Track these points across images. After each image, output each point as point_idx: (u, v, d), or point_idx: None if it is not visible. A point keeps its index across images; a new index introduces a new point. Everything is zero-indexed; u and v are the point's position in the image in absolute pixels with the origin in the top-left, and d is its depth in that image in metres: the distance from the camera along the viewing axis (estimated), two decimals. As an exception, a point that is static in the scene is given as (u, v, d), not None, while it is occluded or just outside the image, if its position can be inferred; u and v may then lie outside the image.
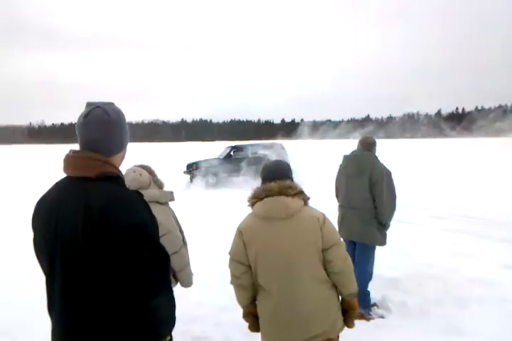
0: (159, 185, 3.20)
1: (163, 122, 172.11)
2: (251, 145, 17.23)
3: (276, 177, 2.39)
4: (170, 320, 1.57)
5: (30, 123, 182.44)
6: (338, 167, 4.34)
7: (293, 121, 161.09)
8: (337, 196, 4.39)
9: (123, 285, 1.44)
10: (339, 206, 4.30)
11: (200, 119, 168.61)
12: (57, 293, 1.51)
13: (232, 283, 2.44)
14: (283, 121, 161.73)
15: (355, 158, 4.13)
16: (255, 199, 2.38)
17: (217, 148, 20.81)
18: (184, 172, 16.22)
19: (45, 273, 1.58)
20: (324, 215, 2.35)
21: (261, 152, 16.15)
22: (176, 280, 3.15)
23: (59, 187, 1.60)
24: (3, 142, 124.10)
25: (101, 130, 1.57)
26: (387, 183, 3.95)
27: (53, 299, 1.54)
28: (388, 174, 4.00)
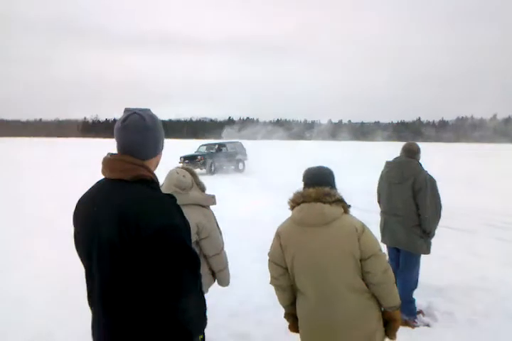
0: (201, 187, 3.23)
1: (211, 120, 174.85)
2: (227, 142, 24.63)
3: (316, 183, 2.37)
4: (200, 320, 1.63)
5: (85, 118, 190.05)
6: (380, 173, 4.27)
7: (340, 122, 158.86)
8: (379, 202, 4.31)
9: (154, 286, 1.50)
10: (381, 212, 4.24)
11: (247, 118, 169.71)
12: (97, 288, 1.60)
13: (271, 283, 2.47)
14: (330, 121, 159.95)
15: (398, 164, 4.04)
16: (294, 203, 2.39)
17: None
18: (185, 162, 20.50)
19: (84, 267, 1.67)
20: (363, 225, 2.30)
21: (232, 148, 23.26)
22: (214, 279, 3.21)
23: (98, 187, 1.69)
24: (60, 135, 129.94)
25: (137, 135, 1.64)
26: (431, 191, 3.85)
27: (94, 293, 1.63)
28: (432, 182, 3.90)
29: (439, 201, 3.94)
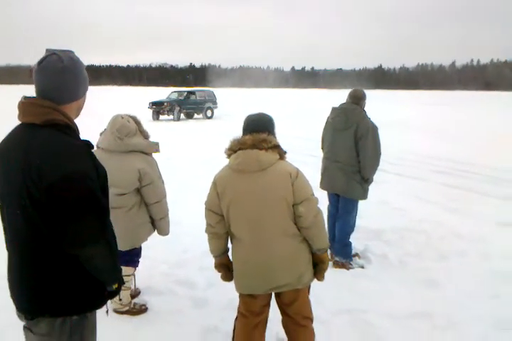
0: (145, 135, 3.19)
1: (172, 66, 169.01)
2: (197, 90, 25.44)
3: (253, 130, 2.35)
4: (111, 269, 1.65)
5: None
6: (326, 119, 4.25)
7: (303, 69, 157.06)
8: (322, 148, 4.34)
9: (59, 233, 1.49)
10: (323, 158, 4.26)
11: (209, 64, 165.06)
12: (8, 234, 1.60)
13: (206, 231, 2.50)
14: (293, 68, 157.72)
15: (343, 111, 4.03)
16: (230, 151, 2.37)
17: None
18: (153, 108, 21.85)
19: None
20: (298, 170, 2.34)
21: (202, 96, 23.95)
22: (154, 228, 3.23)
23: (13, 132, 1.62)
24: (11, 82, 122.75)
25: (54, 77, 1.56)
26: (372, 138, 3.87)
27: (6, 236, 1.62)
28: (374, 129, 3.91)
29: (379, 149, 3.98)
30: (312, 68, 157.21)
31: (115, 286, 1.69)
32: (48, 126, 1.52)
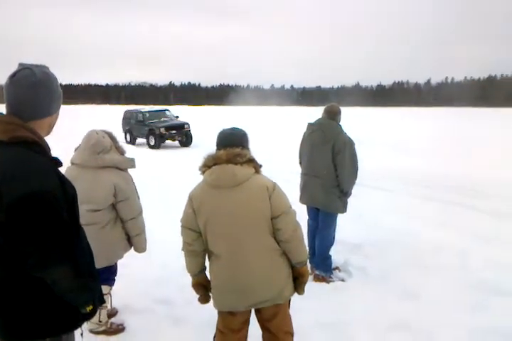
0: (121, 151, 3.17)
1: (151, 85, 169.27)
2: (160, 110, 19.81)
3: (227, 145, 2.35)
4: (80, 291, 1.58)
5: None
6: (303, 134, 4.29)
7: (282, 87, 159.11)
8: (300, 163, 4.37)
9: (21, 256, 1.45)
10: (302, 173, 4.29)
11: (189, 83, 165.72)
12: None
13: (183, 249, 2.45)
14: (272, 86, 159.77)
15: (320, 126, 4.07)
16: (205, 167, 2.36)
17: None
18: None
19: None
20: (275, 184, 2.33)
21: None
22: (131, 246, 3.17)
23: None
24: None
25: (26, 91, 1.52)
26: (349, 153, 3.92)
27: None
28: (351, 143, 3.96)
29: (357, 162, 4.03)
30: (291, 86, 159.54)
31: (89, 308, 1.63)
32: (15, 143, 1.48)
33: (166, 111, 19.35)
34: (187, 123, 17.43)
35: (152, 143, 16.87)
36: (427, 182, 8.96)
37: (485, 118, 32.57)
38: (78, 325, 1.66)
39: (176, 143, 17.53)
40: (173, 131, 16.95)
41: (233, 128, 2.50)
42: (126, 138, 18.55)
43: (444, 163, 11.39)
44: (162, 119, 18.04)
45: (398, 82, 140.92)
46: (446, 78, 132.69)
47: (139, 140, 18.23)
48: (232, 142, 2.36)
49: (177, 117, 18.78)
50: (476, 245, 4.94)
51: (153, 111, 19.13)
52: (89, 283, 1.62)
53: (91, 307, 1.63)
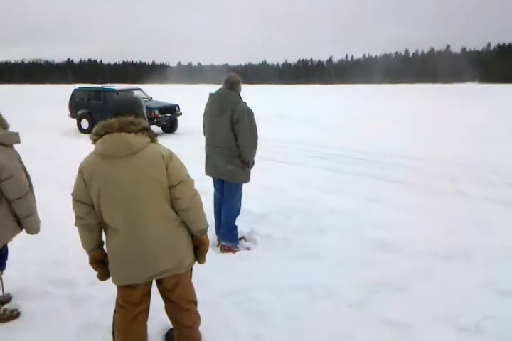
0: (3, 125, 2.89)
1: (47, 62, 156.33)
2: (133, 88, 15.35)
3: (119, 113, 2.24)
4: None
5: None
6: (205, 106, 4.25)
7: (190, 64, 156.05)
8: (204, 134, 4.34)
9: None
10: (205, 144, 4.26)
11: (89, 60, 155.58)
12: None
13: (76, 224, 2.31)
14: (179, 63, 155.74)
15: (218, 96, 4.05)
16: (96, 136, 2.22)
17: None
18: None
19: None
20: (171, 152, 2.27)
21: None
22: (22, 227, 2.95)
23: None
24: None
25: None
26: (248, 121, 3.94)
27: None
28: (250, 112, 3.97)
29: (256, 131, 4.05)
30: (199, 63, 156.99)
31: None
32: None
33: (140, 91, 14.97)
34: (177, 105, 14.03)
35: None
36: (326, 154, 9.41)
37: (393, 95, 34.57)
38: None
39: (159, 129, 13.71)
40: (168, 114, 13.30)
41: (125, 95, 2.41)
42: (80, 124, 13.88)
43: (342, 136, 12.09)
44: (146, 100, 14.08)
45: (303, 59, 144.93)
46: (346, 56, 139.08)
47: None
48: (125, 110, 2.26)
49: (151, 98, 14.89)
50: (368, 208, 5.36)
51: (130, 90, 14.56)
52: None
53: None
